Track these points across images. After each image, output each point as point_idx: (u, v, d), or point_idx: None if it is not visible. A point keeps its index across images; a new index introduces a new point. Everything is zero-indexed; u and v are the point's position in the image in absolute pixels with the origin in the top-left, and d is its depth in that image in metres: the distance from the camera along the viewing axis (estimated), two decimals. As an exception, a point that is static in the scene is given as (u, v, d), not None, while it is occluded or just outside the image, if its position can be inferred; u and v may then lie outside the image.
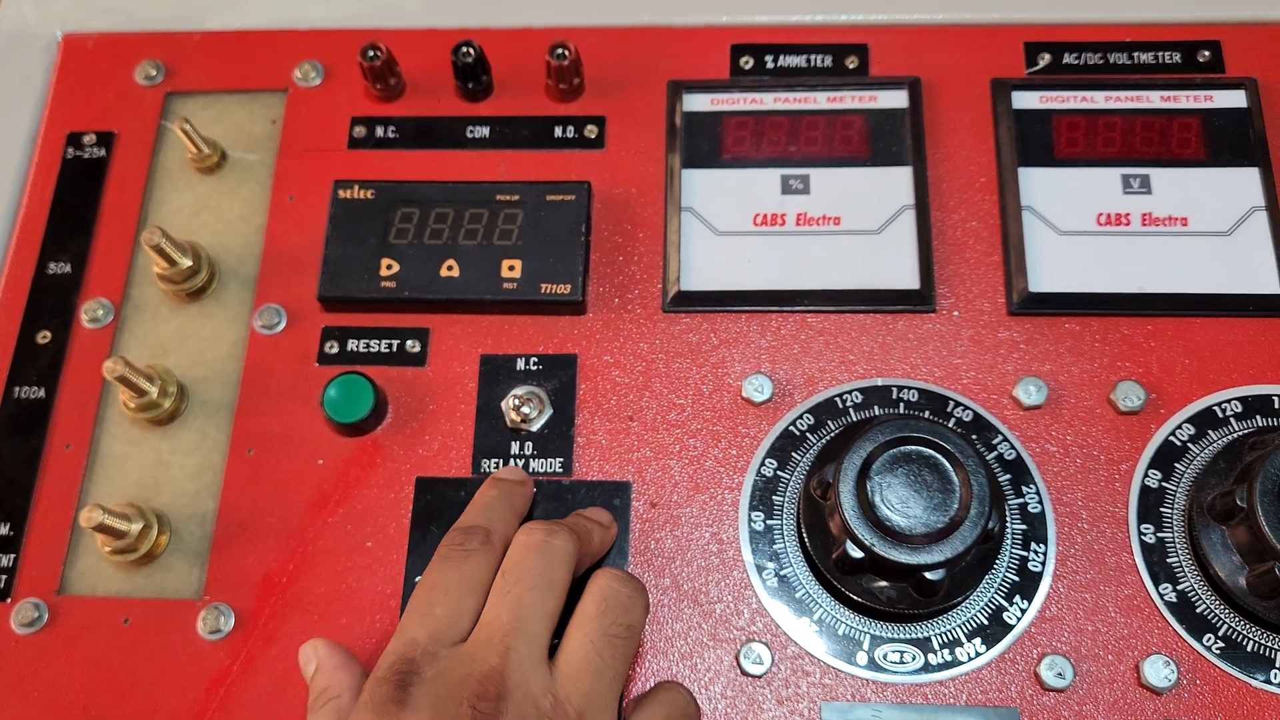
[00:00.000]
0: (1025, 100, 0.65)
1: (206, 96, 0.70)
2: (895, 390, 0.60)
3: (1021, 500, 0.58)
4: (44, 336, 0.65)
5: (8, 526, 0.61)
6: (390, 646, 0.50)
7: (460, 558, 0.52)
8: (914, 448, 0.53)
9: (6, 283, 0.66)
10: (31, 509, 0.61)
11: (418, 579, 0.58)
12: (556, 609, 0.50)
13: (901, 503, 0.52)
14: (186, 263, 0.63)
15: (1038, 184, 0.63)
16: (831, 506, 0.54)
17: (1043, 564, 0.56)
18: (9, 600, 0.59)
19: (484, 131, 0.68)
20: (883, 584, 0.54)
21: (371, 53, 0.66)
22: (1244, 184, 0.62)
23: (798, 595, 0.57)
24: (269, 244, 0.66)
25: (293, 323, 0.64)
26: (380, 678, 0.48)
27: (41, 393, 0.64)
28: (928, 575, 0.52)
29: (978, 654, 0.55)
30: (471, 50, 0.66)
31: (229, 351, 0.64)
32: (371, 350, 0.63)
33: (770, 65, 0.68)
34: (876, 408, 0.60)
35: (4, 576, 0.60)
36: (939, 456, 0.53)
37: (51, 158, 0.69)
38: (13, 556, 0.60)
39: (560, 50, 0.65)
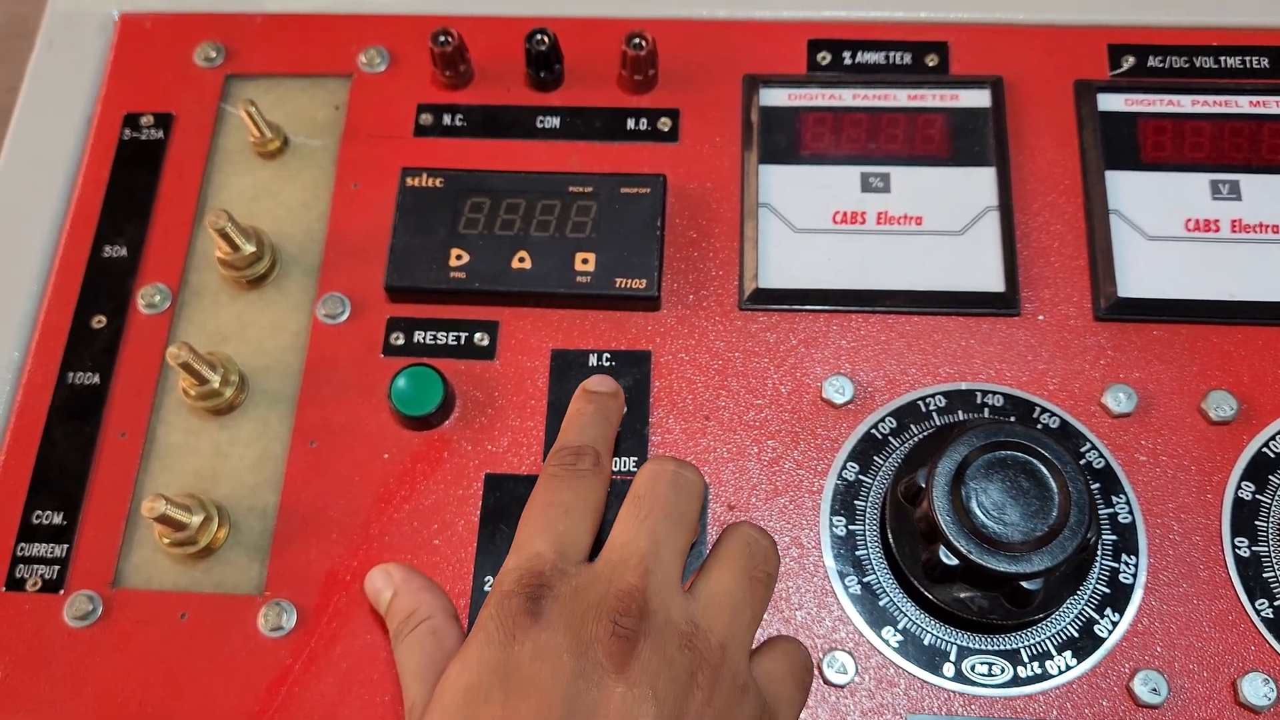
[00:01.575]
0: (1111, 103, 0.64)
1: (268, 80, 0.69)
2: (980, 395, 0.59)
3: (1111, 510, 0.56)
4: (99, 321, 0.63)
5: (61, 516, 0.59)
6: (510, 562, 0.48)
7: (574, 477, 0.50)
8: (1010, 453, 0.51)
9: (61, 265, 0.64)
10: (85, 498, 0.59)
11: (488, 579, 0.56)
12: (688, 543, 0.49)
13: (998, 509, 0.50)
14: (250, 249, 0.61)
15: (1124, 188, 0.62)
16: (923, 512, 0.52)
17: (1134, 576, 0.55)
18: (62, 592, 0.58)
19: (554, 122, 0.66)
20: (974, 593, 0.52)
21: (443, 38, 0.64)
22: (1337, 192, 0.61)
23: (881, 603, 0.55)
24: (332, 231, 0.64)
25: (357, 312, 0.62)
26: (507, 590, 0.46)
27: (96, 379, 0.62)
28: (1024, 585, 0.50)
29: (1068, 667, 0.53)
30: (546, 38, 0.64)
31: (290, 341, 0.62)
32: (438, 342, 0.61)
33: (848, 61, 0.66)
34: (961, 412, 0.58)
35: (56, 568, 0.58)
36: (1036, 462, 0.51)
37: (107, 139, 0.67)
38: (65, 547, 0.58)
39: (638, 40, 0.63)
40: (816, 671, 0.54)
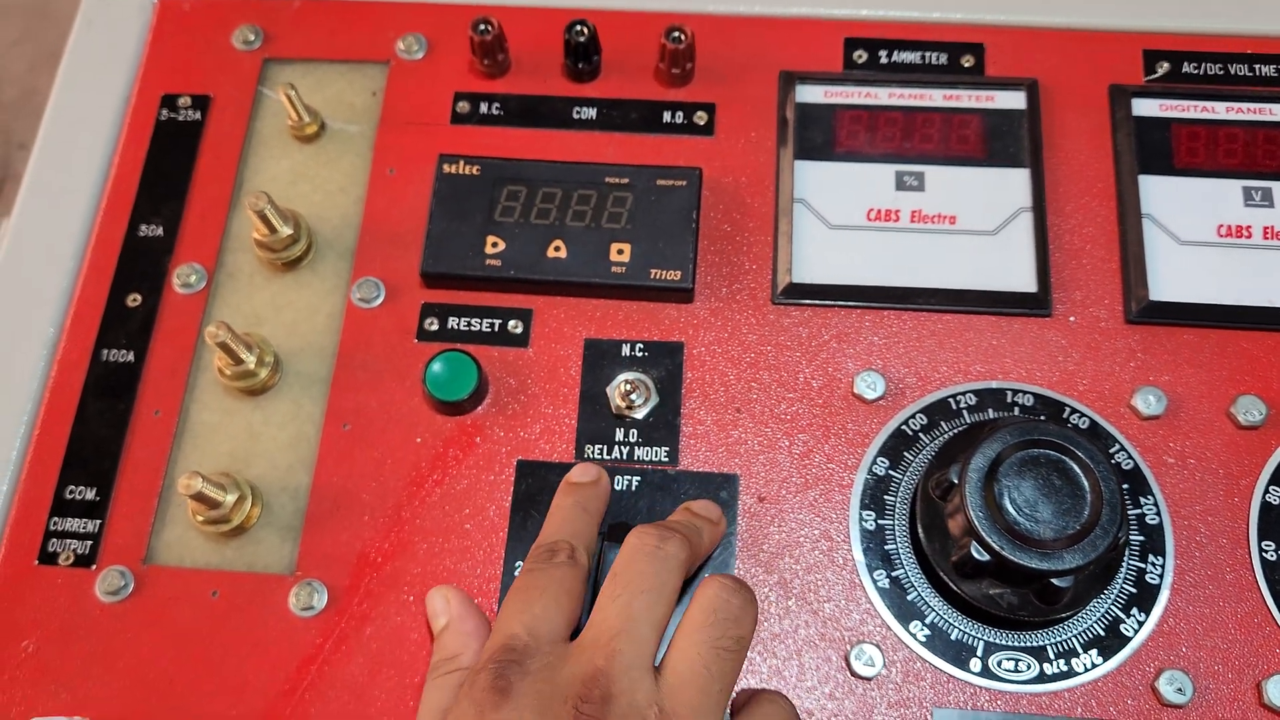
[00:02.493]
0: (1145, 108, 0.64)
1: (305, 65, 0.69)
2: (1010, 394, 0.59)
3: (1140, 511, 0.56)
4: (134, 299, 0.63)
5: (94, 491, 0.59)
6: (489, 641, 0.49)
7: (551, 568, 0.51)
8: (1043, 450, 0.52)
9: (97, 243, 0.65)
10: (118, 475, 0.60)
11: (518, 564, 0.57)
12: (666, 616, 0.49)
13: (1030, 506, 0.51)
14: (287, 231, 0.62)
15: (1157, 192, 0.62)
16: (955, 507, 0.52)
17: (1161, 576, 0.55)
18: (94, 567, 0.58)
19: (591, 113, 0.66)
20: (1003, 589, 0.53)
21: (483, 26, 0.64)
22: (1367, 202, 0.62)
23: (909, 598, 0.55)
24: (368, 216, 0.65)
25: (391, 297, 0.63)
26: (479, 667, 0.47)
27: (131, 356, 0.62)
28: (1055, 582, 0.50)
29: (1094, 665, 0.54)
30: (585, 29, 0.64)
31: (325, 324, 0.63)
32: (472, 329, 0.62)
33: (884, 60, 0.67)
34: (991, 410, 0.59)
35: (89, 543, 0.58)
36: (1069, 461, 0.51)
37: (145, 119, 0.68)
38: (98, 523, 0.59)
39: (676, 34, 0.64)
40: (844, 664, 0.54)
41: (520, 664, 0.47)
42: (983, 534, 0.50)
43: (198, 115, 0.68)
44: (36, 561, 0.58)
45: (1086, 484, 0.51)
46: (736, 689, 0.53)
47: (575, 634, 0.50)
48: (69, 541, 0.58)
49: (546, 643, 0.48)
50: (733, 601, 0.49)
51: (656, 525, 0.52)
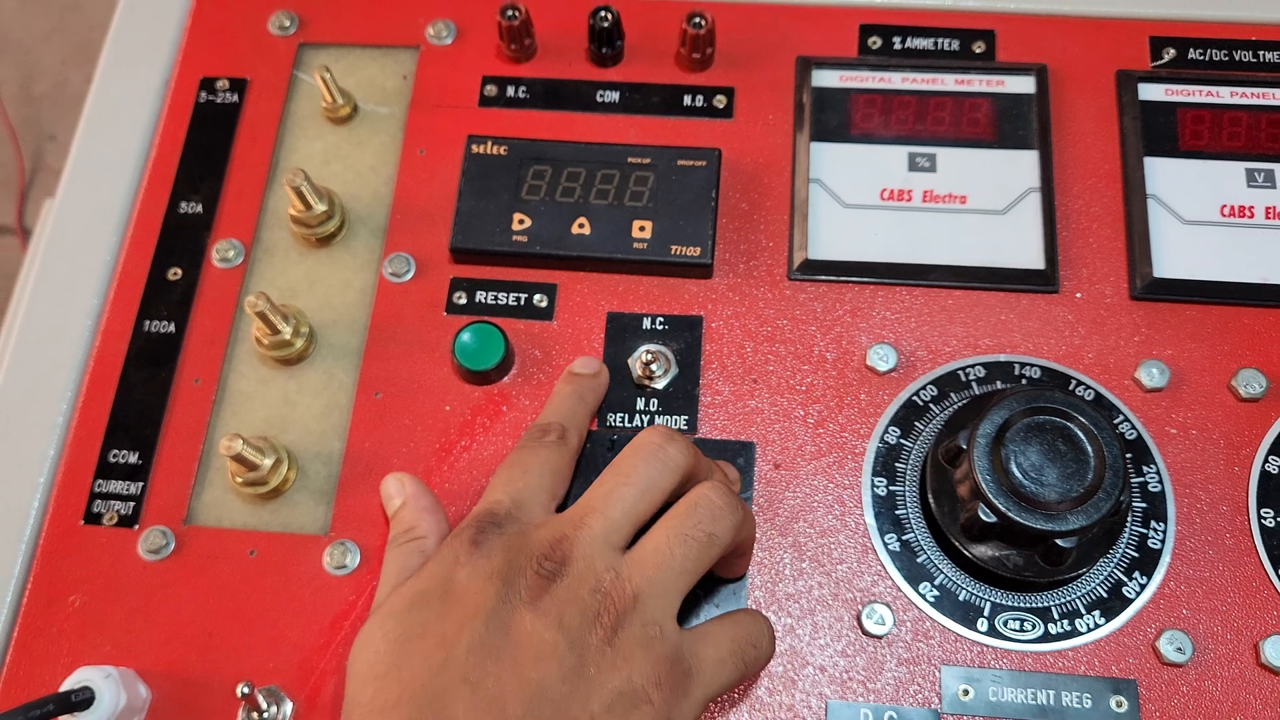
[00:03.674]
0: (1151, 92, 0.66)
1: (339, 49, 0.72)
2: (1018, 366, 0.61)
3: (1142, 479, 0.58)
4: (175, 273, 0.66)
5: (136, 455, 0.62)
6: (476, 508, 0.54)
7: (540, 447, 0.56)
8: (1048, 417, 0.54)
9: (139, 219, 0.68)
10: (160, 440, 0.62)
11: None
12: (647, 511, 0.52)
13: (1036, 470, 0.53)
14: (322, 208, 0.64)
15: (1162, 174, 0.64)
16: (963, 472, 0.54)
17: (1162, 541, 0.57)
18: (137, 527, 0.60)
19: (614, 96, 0.69)
20: (1009, 551, 0.55)
21: (510, 12, 0.67)
22: (1367, 183, 0.64)
23: (919, 560, 0.58)
24: (399, 195, 0.67)
25: (421, 272, 0.65)
26: (463, 526, 0.53)
27: (171, 327, 0.65)
28: (1059, 543, 0.52)
29: (1097, 625, 0.56)
30: (609, 15, 0.67)
31: (357, 298, 0.65)
32: (499, 303, 0.64)
33: (898, 46, 0.69)
34: (999, 382, 0.61)
35: (132, 504, 0.61)
36: (1073, 427, 0.53)
37: (184, 101, 0.70)
38: (141, 485, 0.61)
39: (697, 19, 0.66)
40: (855, 623, 0.57)
41: (499, 526, 0.52)
42: (990, 496, 0.52)
43: (235, 98, 0.70)
44: (82, 522, 0.61)
45: (1090, 449, 0.53)
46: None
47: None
48: (113, 503, 0.61)
49: (527, 513, 0.53)
50: (715, 500, 0.52)
51: (666, 428, 0.54)
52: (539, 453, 0.56)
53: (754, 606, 0.57)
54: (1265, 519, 0.57)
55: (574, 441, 0.57)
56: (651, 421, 0.61)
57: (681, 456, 0.53)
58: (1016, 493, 0.52)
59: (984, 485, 0.53)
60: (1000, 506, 0.52)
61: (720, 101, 0.68)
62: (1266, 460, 0.59)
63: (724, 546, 0.51)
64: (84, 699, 0.53)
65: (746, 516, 0.53)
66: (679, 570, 0.50)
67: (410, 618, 0.50)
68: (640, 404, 0.62)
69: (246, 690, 0.53)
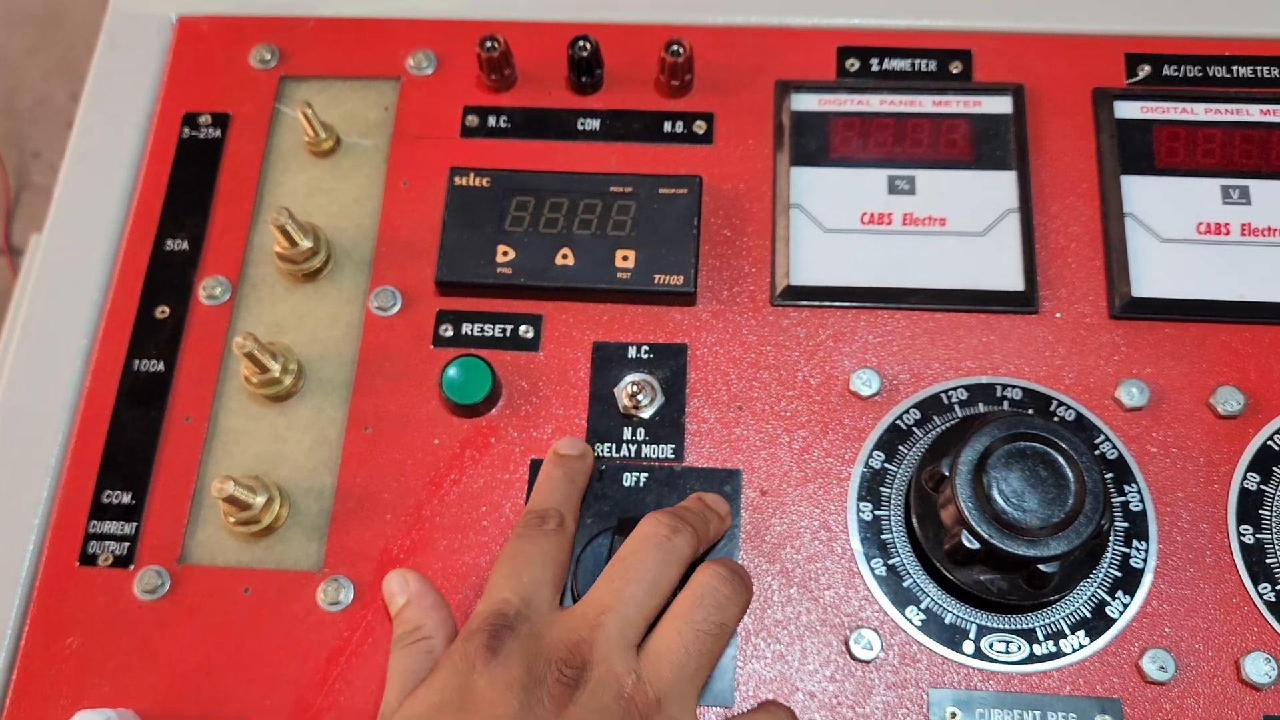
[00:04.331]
0: (1127, 110, 0.67)
1: (320, 82, 0.72)
2: (1000, 388, 0.62)
3: (1124, 498, 0.59)
4: (162, 311, 0.66)
5: (130, 496, 0.63)
6: (480, 606, 0.53)
7: (540, 536, 0.55)
8: (1029, 443, 0.54)
9: (125, 258, 0.68)
10: (152, 479, 0.63)
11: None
12: (658, 606, 0.53)
13: (1017, 496, 0.53)
14: (307, 244, 0.65)
15: (1139, 192, 0.65)
16: (946, 499, 0.55)
17: (1144, 560, 0.58)
18: (131, 568, 0.61)
19: (594, 124, 0.69)
20: (993, 575, 0.56)
21: (490, 43, 0.67)
22: (1342, 197, 0.64)
23: (905, 584, 0.58)
24: (383, 228, 0.68)
25: (407, 305, 0.66)
26: (475, 628, 0.51)
27: (161, 366, 0.65)
28: (1042, 568, 0.53)
29: (1081, 646, 0.57)
30: (588, 44, 0.67)
31: (344, 332, 0.66)
32: (485, 334, 0.65)
33: (875, 68, 0.69)
34: (981, 405, 0.62)
35: (126, 544, 0.62)
36: (1053, 453, 0.54)
37: (167, 137, 0.71)
38: (134, 525, 0.62)
39: (675, 47, 0.66)
40: (844, 648, 0.57)
41: (512, 629, 0.51)
42: (973, 524, 0.53)
43: (218, 133, 0.71)
44: (77, 563, 0.61)
45: (1071, 474, 0.54)
46: (747, 702, 0.56)
47: (560, 599, 0.55)
48: (107, 543, 0.62)
49: (536, 610, 0.52)
50: (721, 590, 0.52)
51: (671, 514, 0.55)
52: (540, 543, 0.55)
53: (743, 635, 0.58)
54: (1244, 536, 0.58)
55: (570, 527, 0.57)
56: (639, 451, 0.62)
57: (687, 547, 0.54)
58: (999, 519, 0.53)
59: (967, 513, 0.53)
60: (983, 534, 0.53)
61: (700, 127, 0.69)
62: (1245, 477, 0.59)
63: (733, 631, 0.53)
64: (83, 745, 0.54)
65: (745, 588, 0.54)
66: (695, 667, 0.51)
67: None
68: (627, 433, 0.62)
69: (244, 730, 0.54)
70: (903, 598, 0.58)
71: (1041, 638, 0.57)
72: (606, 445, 0.62)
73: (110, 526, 0.62)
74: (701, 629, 0.51)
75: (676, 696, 0.50)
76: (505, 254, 0.65)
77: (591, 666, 0.49)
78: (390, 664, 0.55)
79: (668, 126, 0.69)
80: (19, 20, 1.67)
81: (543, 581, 0.54)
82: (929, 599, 0.58)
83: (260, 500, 0.60)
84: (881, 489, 0.60)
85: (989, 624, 0.57)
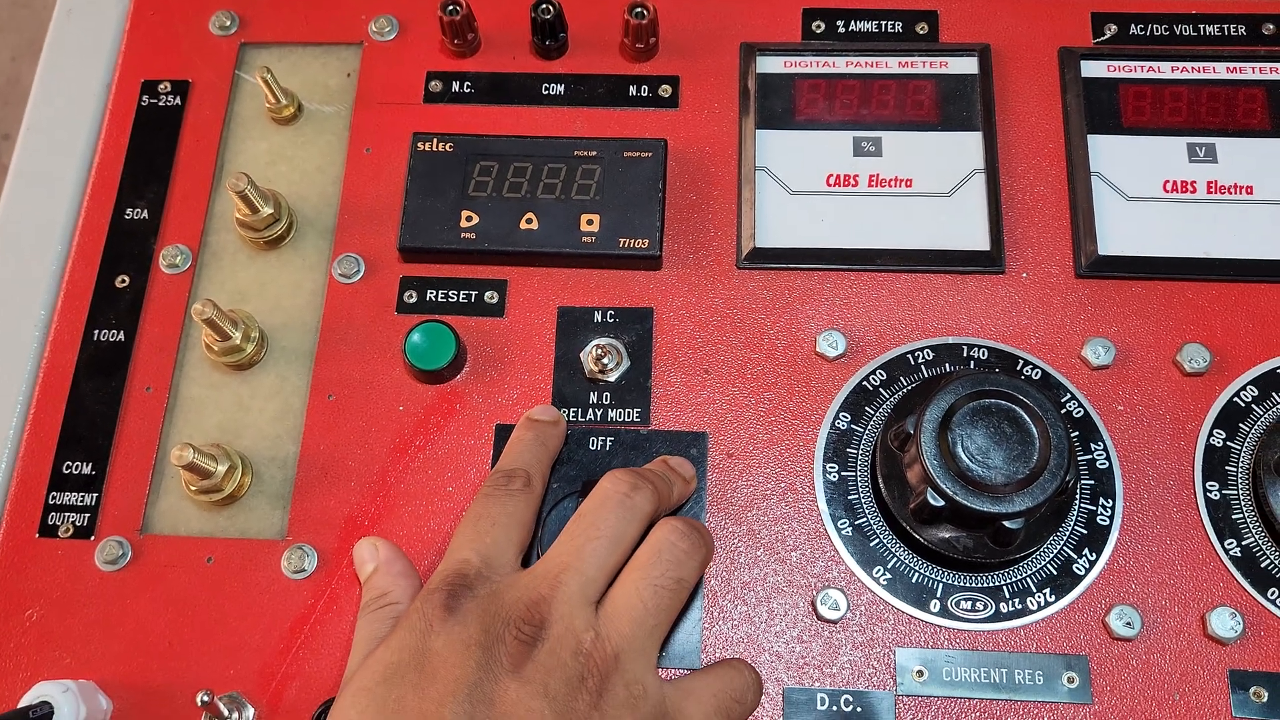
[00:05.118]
0: (1093, 69, 0.67)
1: (281, 48, 0.71)
2: (966, 348, 0.62)
3: (1090, 456, 0.59)
4: (122, 281, 0.66)
5: (90, 466, 0.62)
6: (442, 566, 0.53)
7: (505, 496, 0.55)
8: (994, 400, 0.54)
9: (84, 227, 0.67)
10: (113, 450, 0.62)
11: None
12: (619, 563, 0.52)
13: (982, 453, 0.53)
14: (268, 210, 0.64)
15: (1105, 151, 0.65)
16: (911, 457, 0.55)
17: (1110, 518, 0.58)
18: (93, 538, 0.60)
19: (559, 89, 0.69)
20: (959, 533, 0.55)
21: (451, 7, 0.66)
22: (1312, 154, 0.64)
23: (872, 544, 0.58)
24: (346, 194, 0.67)
25: (371, 272, 0.65)
26: (433, 588, 0.51)
27: (121, 336, 0.64)
28: (1007, 524, 0.53)
29: (1048, 603, 0.57)
30: (550, 7, 0.67)
31: (307, 300, 0.65)
32: (450, 300, 0.64)
33: (841, 30, 0.69)
34: (948, 365, 0.61)
35: (87, 515, 0.61)
36: (1018, 409, 0.54)
37: (126, 105, 0.70)
38: (95, 496, 0.61)
39: (639, 9, 0.66)
40: (810, 608, 0.57)
41: (471, 588, 0.51)
42: (937, 481, 0.53)
43: (177, 100, 0.70)
44: (37, 534, 0.61)
45: (1035, 431, 0.53)
46: (713, 656, 0.56)
47: (525, 559, 0.54)
48: (68, 514, 0.61)
49: (496, 570, 0.52)
50: (679, 545, 0.52)
51: (631, 471, 0.55)
52: (505, 503, 0.54)
53: (710, 597, 0.58)
54: (1210, 492, 0.58)
55: (538, 488, 0.56)
56: (605, 415, 0.61)
57: (648, 502, 0.53)
58: (963, 477, 0.53)
59: (931, 470, 0.53)
60: (947, 491, 0.53)
61: (665, 91, 0.68)
62: (1211, 434, 0.59)
63: (692, 585, 0.52)
64: (42, 714, 0.53)
65: (709, 543, 0.54)
66: (653, 623, 0.50)
67: (385, 693, 0.48)
68: (593, 398, 0.62)
69: (207, 699, 0.54)
70: (869, 558, 0.58)
71: (1008, 595, 0.57)
72: (573, 410, 0.62)
73: (70, 497, 0.61)
74: (659, 584, 0.51)
75: (635, 652, 0.49)
76: (469, 219, 0.64)
77: (550, 624, 0.49)
78: (356, 629, 0.54)
79: (633, 90, 0.68)
80: (-14, 0, 1.65)
81: (506, 542, 0.53)
82: (895, 559, 0.58)
83: (221, 468, 0.59)
84: (848, 450, 0.60)
85: (955, 583, 0.57)
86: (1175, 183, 0.64)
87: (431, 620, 0.49)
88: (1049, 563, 0.57)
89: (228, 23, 0.71)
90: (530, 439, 0.58)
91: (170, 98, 0.70)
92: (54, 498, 0.61)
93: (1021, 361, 0.61)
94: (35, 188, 0.68)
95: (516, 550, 0.54)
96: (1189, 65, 0.66)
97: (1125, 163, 0.65)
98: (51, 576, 0.60)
